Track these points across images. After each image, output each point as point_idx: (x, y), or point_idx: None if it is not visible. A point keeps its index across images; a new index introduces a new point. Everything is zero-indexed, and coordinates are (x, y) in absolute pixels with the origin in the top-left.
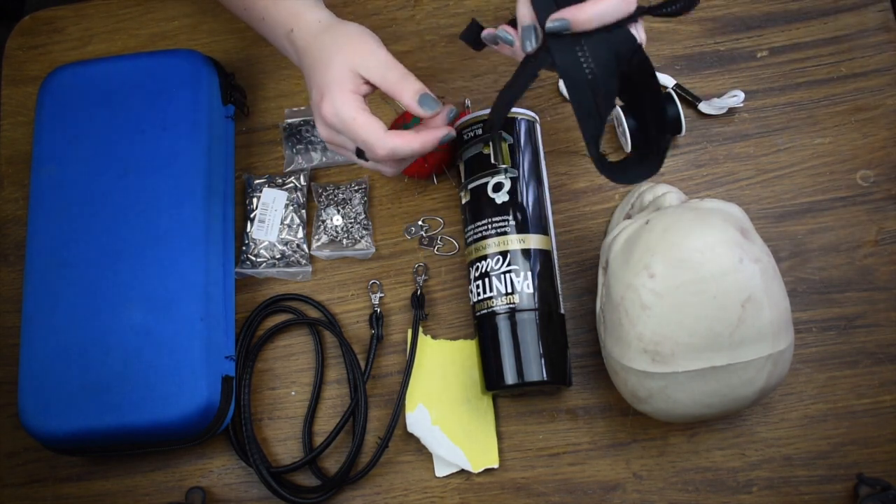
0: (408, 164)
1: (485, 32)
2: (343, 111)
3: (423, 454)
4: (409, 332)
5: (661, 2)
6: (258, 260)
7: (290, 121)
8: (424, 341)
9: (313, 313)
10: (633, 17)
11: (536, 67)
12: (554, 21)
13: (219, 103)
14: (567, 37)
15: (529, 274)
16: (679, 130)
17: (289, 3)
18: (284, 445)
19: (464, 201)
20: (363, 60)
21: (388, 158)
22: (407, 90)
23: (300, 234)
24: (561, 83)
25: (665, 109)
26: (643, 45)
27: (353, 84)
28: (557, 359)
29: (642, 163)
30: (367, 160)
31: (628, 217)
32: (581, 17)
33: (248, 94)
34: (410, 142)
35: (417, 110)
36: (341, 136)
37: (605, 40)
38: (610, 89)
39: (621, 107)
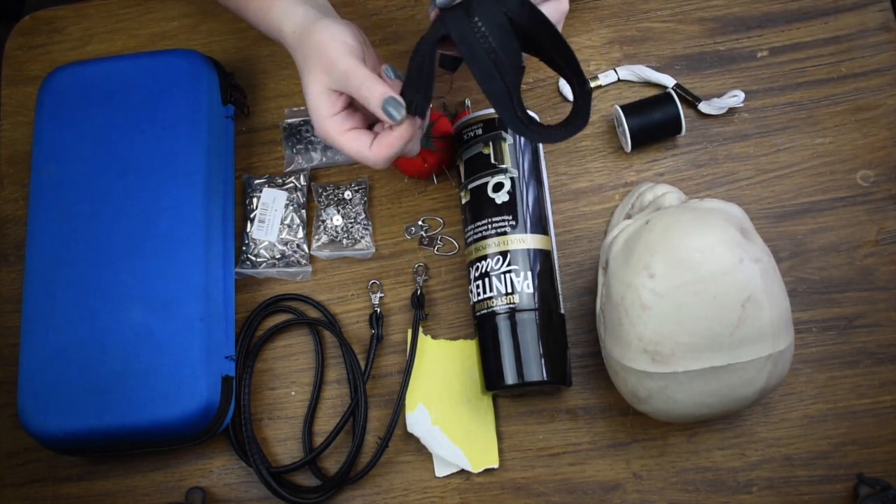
0: (416, 139)
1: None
2: (328, 136)
3: (423, 454)
4: (409, 332)
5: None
6: (258, 260)
7: (290, 121)
8: (424, 341)
9: (313, 313)
10: None
11: (432, 39)
12: None
13: (219, 103)
14: (459, 8)
15: (529, 274)
16: (679, 130)
17: (272, 18)
18: (284, 445)
19: (464, 201)
20: (328, 76)
21: (387, 164)
22: (371, 98)
23: (300, 234)
24: (562, 84)
25: (577, 60)
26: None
27: (329, 105)
28: (557, 359)
29: (568, 124)
30: None
31: (628, 217)
32: None
33: (248, 94)
34: (394, 143)
35: (384, 118)
36: None
37: (494, 4)
38: (509, 50)
39: (622, 107)
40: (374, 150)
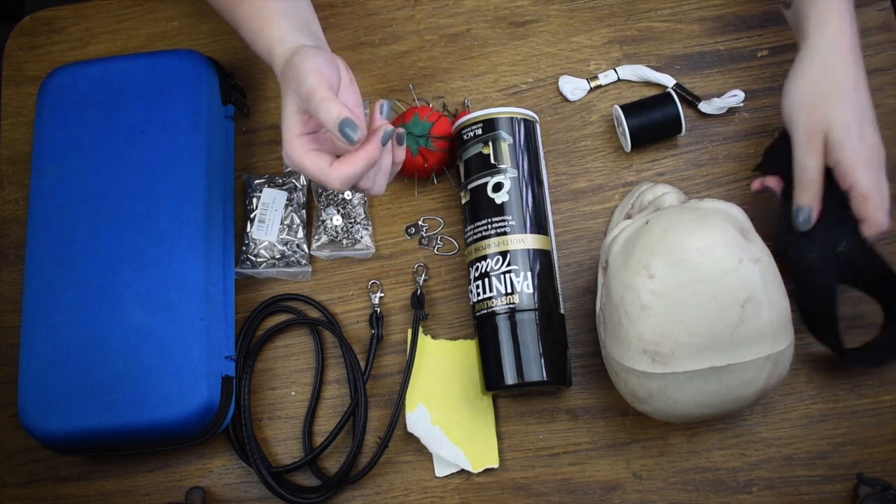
0: (381, 175)
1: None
2: (292, 157)
3: (423, 454)
4: (409, 332)
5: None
6: (258, 260)
7: None
8: (424, 341)
9: (313, 313)
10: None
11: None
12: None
13: (219, 103)
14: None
15: (529, 274)
16: (679, 130)
17: (264, 39)
18: (284, 445)
19: (464, 201)
20: (297, 95)
21: (346, 187)
22: (328, 119)
23: (300, 234)
24: (562, 84)
25: None
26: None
27: (298, 126)
28: (557, 359)
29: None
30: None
31: (628, 217)
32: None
33: (248, 94)
34: (355, 162)
35: (341, 138)
36: None
37: (832, 240)
38: (828, 271)
39: (622, 107)
40: (334, 167)
